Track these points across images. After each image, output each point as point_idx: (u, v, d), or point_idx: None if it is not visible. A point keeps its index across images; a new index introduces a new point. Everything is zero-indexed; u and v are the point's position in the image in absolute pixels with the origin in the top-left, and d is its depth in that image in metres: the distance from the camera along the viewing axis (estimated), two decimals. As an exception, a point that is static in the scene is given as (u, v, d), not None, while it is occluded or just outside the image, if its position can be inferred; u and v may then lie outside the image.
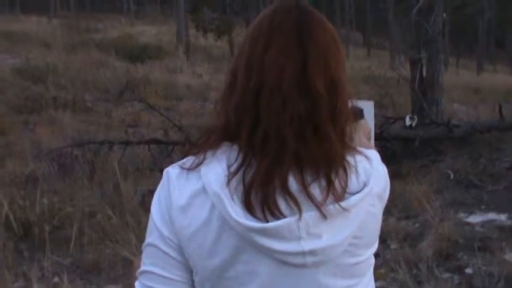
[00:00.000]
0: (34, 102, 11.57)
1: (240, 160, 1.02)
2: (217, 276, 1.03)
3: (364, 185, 1.05)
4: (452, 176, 7.17)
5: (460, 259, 4.57)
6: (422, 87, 9.57)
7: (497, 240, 4.82)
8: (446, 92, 10.93)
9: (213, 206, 1.00)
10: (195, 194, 1.03)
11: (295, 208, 0.99)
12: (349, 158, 1.06)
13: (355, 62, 25.54)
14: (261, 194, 0.99)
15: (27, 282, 4.34)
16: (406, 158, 8.03)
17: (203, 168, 1.03)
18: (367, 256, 1.09)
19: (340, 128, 1.05)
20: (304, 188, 1.00)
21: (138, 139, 8.19)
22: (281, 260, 1.00)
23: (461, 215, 5.72)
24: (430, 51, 9.70)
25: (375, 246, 1.12)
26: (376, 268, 5.05)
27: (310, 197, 0.99)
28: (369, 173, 1.06)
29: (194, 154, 1.07)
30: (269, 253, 0.99)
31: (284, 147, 1.00)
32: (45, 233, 4.91)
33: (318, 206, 0.99)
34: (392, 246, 4.96)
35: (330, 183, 1.01)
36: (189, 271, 1.06)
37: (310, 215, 0.99)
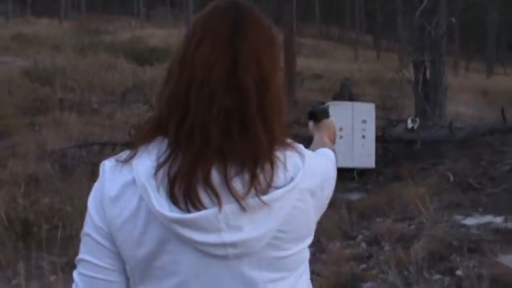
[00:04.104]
0: (41, 104, 11.69)
1: (167, 153, 1.05)
2: (145, 266, 1.06)
3: (291, 180, 1.06)
4: (451, 178, 7.16)
5: (452, 261, 4.57)
6: (426, 90, 9.57)
7: (491, 243, 4.81)
8: (454, 94, 10.89)
9: (141, 198, 1.03)
10: (126, 185, 1.06)
11: (216, 201, 1.01)
12: (279, 154, 1.07)
13: (365, 64, 25.51)
14: (183, 187, 1.02)
15: (25, 281, 4.40)
16: (407, 160, 8.03)
17: (135, 161, 1.07)
18: (296, 250, 1.10)
19: (269, 124, 1.07)
20: (226, 181, 1.02)
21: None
22: (203, 251, 1.02)
23: (458, 217, 5.71)
24: (434, 54, 9.70)
25: (306, 241, 1.13)
26: (368, 269, 5.05)
27: (230, 190, 1.01)
28: (298, 168, 1.08)
29: (131, 147, 1.12)
30: (191, 244, 1.02)
31: (207, 142, 1.03)
32: (43, 232, 4.98)
33: (238, 199, 1.01)
34: (386, 247, 4.98)
35: (253, 177, 1.03)
36: (122, 260, 1.09)
37: (230, 207, 1.01)
